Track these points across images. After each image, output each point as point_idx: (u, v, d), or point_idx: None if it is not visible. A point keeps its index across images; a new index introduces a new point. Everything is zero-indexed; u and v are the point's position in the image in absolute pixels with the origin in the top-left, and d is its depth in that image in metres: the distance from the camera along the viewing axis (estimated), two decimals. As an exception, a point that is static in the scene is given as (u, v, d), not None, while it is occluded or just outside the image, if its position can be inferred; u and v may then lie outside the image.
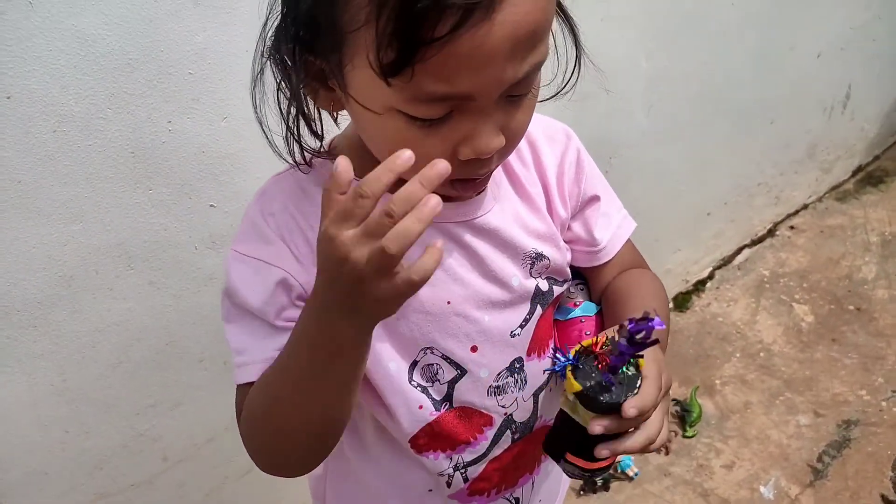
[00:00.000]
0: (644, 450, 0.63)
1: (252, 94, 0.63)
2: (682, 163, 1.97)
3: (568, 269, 0.79)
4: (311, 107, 0.65)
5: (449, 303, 0.70)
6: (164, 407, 1.21)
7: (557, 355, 0.78)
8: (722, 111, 1.99)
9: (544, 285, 0.76)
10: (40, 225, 0.97)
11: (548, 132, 0.78)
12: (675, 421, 1.87)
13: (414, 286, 0.51)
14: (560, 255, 0.77)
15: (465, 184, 0.63)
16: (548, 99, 0.67)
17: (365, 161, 0.68)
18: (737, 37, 1.89)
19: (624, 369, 0.62)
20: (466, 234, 0.70)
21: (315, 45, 0.57)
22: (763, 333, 2.12)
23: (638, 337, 0.58)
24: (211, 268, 1.15)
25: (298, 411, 0.61)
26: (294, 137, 0.65)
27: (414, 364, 0.72)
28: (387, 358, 0.70)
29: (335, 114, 0.65)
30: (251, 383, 0.66)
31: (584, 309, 0.81)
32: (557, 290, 0.78)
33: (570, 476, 0.69)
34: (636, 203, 1.94)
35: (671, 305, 2.22)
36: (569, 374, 0.63)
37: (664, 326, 0.57)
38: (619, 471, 1.74)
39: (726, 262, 2.36)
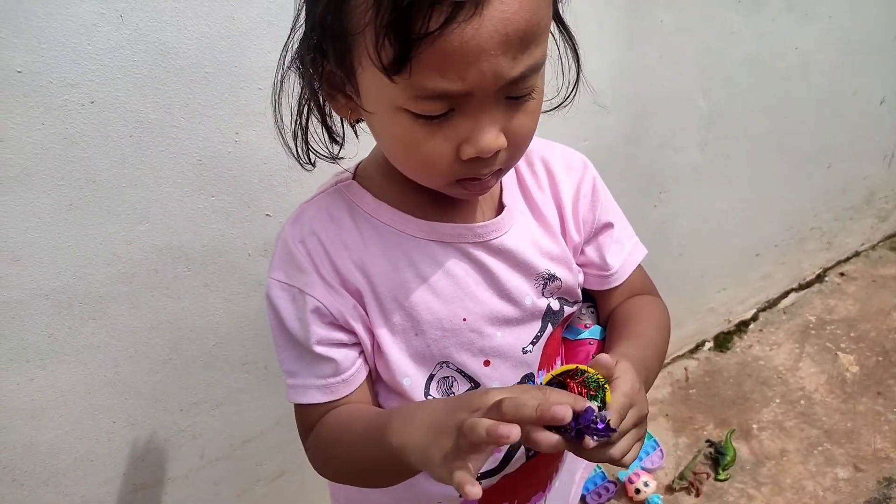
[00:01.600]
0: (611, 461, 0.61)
1: (273, 101, 0.67)
2: (734, 202, 1.95)
3: (579, 291, 0.83)
4: (331, 115, 0.70)
5: (464, 319, 0.74)
6: (206, 406, 1.24)
7: (528, 382, 0.80)
8: (779, 152, 1.96)
9: (555, 305, 0.79)
10: (109, 223, 1.02)
11: (565, 160, 0.81)
12: (708, 463, 1.84)
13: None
14: (572, 277, 0.80)
15: (471, 183, 0.66)
16: (550, 111, 0.70)
17: (389, 181, 0.73)
18: (799, 79, 1.87)
19: (596, 396, 0.61)
20: (483, 253, 0.74)
21: (330, 52, 0.61)
22: (805, 381, 2.07)
23: (583, 426, 0.57)
24: (261, 274, 1.19)
25: (370, 474, 0.71)
26: (303, 138, 0.70)
27: (430, 378, 0.76)
28: (403, 373, 0.74)
29: (353, 122, 0.69)
30: (310, 405, 0.74)
31: (592, 332, 0.85)
32: (568, 309, 0.81)
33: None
34: (683, 239, 1.97)
35: (711, 345, 2.19)
36: None
37: (608, 435, 0.57)
38: (647, 508, 1.72)
39: (772, 304, 2.31)
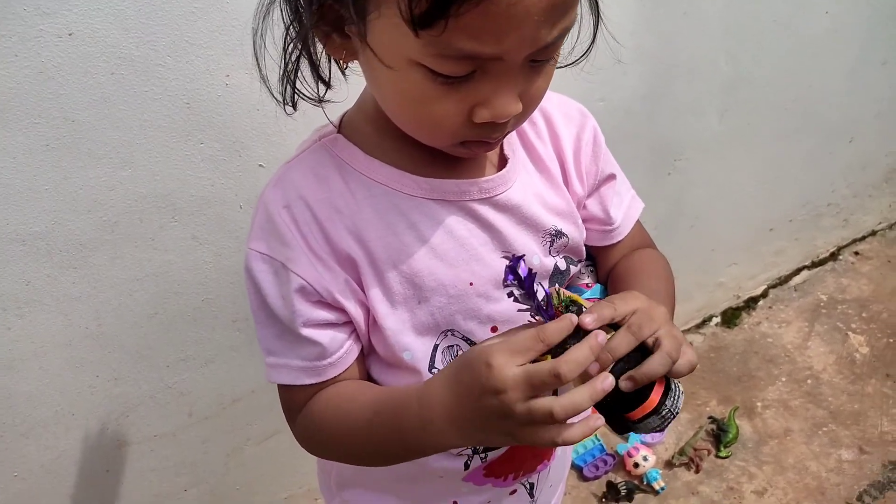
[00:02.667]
0: (672, 374, 0.59)
1: (254, 35, 0.60)
2: (751, 173, 1.88)
3: (584, 249, 0.78)
4: (319, 53, 0.62)
5: (471, 284, 0.69)
6: (194, 363, 1.20)
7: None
8: (801, 124, 1.88)
9: (562, 264, 0.75)
10: (89, 167, 0.96)
11: (563, 109, 0.76)
12: (710, 440, 1.80)
13: (551, 446, 0.55)
14: (578, 233, 0.76)
15: (477, 145, 0.62)
16: (565, 66, 0.66)
17: (381, 135, 0.66)
18: (828, 46, 1.78)
19: (569, 312, 0.59)
20: (489, 210, 0.69)
21: None
22: (813, 360, 2.03)
23: (518, 275, 0.56)
24: (255, 229, 1.13)
25: (376, 458, 0.69)
26: (290, 81, 0.63)
27: (435, 349, 0.70)
28: (404, 346, 0.68)
29: (344, 63, 0.63)
30: (295, 386, 0.69)
31: (594, 292, 0.81)
32: (573, 269, 0.76)
33: (657, 430, 0.63)
34: (697, 209, 1.90)
35: (719, 320, 2.14)
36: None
37: (525, 268, 0.57)
38: (645, 483, 1.69)
39: (783, 281, 2.25)
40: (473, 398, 0.55)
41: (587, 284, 0.81)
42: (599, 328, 0.56)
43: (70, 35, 0.86)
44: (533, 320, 0.60)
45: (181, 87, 0.96)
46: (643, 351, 0.58)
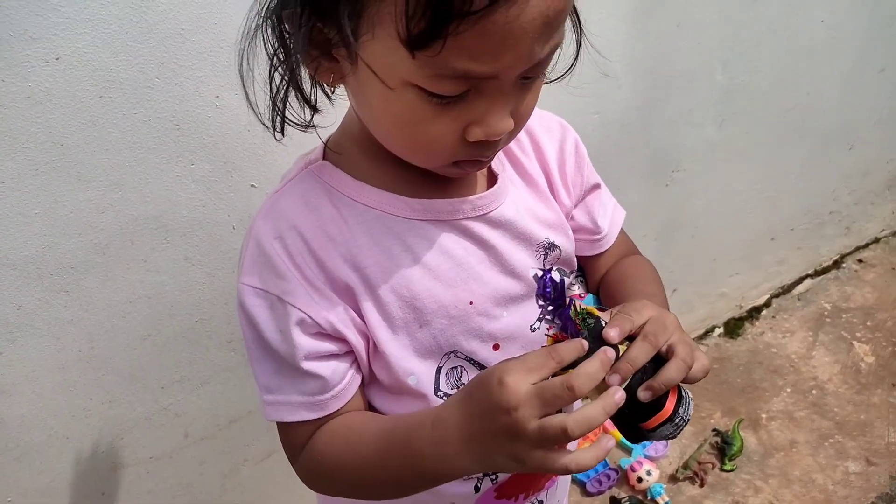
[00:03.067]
0: (688, 380, 0.59)
1: (240, 60, 0.59)
2: (751, 183, 1.87)
3: (575, 259, 0.78)
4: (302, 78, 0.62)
5: (472, 303, 0.68)
6: (189, 384, 1.19)
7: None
8: (800, 132, 1.87)
9: (556, 276, 0.74)
10: (80, 190, 0.95)
11: (543, 122, 0.77)
12: (714, 453, 1.78)
13: (564, 472, 0.53)
14: (569, 245, 0.76)
15: (470, 164, 0.61)
16: (551, 82, 0.66)
17: (369, 158, 0.66)
18: (824, 54, 1.77)
19: (586, 325, 0.60)
20: (483, 227, 0.68)
21: (328, 10, 0.53)
22: (818, 370, 2.00)
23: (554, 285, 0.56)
24: (248, 248, 1.13)
25: (387, 489, 0.65)
26: (279, 111, 0.62)
27: (438, 371, 0.69)
28: (408, 371, 0.67)
29: (332, 88, 0.62)
30: (296, 423, 0.67)
31: (586, 301, 0.80)
32: (567, 281, 0.76)
33: (670, 437, 0.63)
34: (696, 220, 1.89)
35: (722, 331, 2.12)
36: None
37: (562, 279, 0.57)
38: (649, 497, 1.67)
39: (786, 290, 2.24)
40: (486, 417, 0.54)
41: (579, 295, 0.80)
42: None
43: (57, 59, 0.86)
44: (548, 334, 0.60)
45: (170, 109, 0.96)
46: (656, 359, 0.58)
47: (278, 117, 0.63)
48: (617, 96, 1.45)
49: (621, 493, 1.68)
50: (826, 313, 2.18)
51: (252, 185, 1.08)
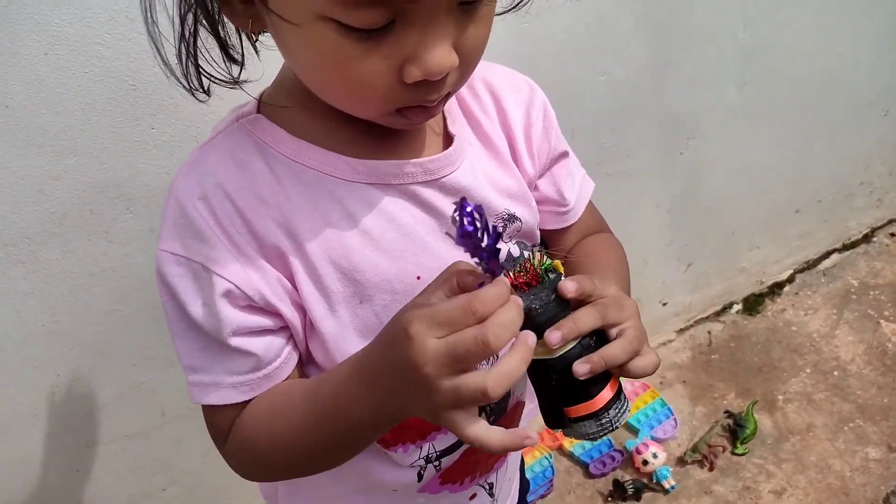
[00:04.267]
0: (631, 371, 0.54)
1: (143, 6, 0.52)
2: (775, 150, 1.75)
3: (538, 233, 0.73)
4: (223, 25, 0.55)
5: (419, 278, 0.61)
6: (162, 361, 1.14)
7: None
8: (829, 96, 1.75)
9: (515, 251, 0.68)
10: (30, 155, 0.89)
11: (509, 82, 0.70)
12: (726, 435, 1.71)
13: (471, 444, 0.49)
14: (531, 216, 0.70)
15: (415, 111, 0.54)
16: (504, 13, 0.58)
17: (307, 113, 0.58)
18: (858, 11, 1.64)
19: (545, 276, 0.54)
20: (435, 194, 0.62)
21: None
22: (841, 350, 1.90)
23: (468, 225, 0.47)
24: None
25: (323, 455, 0.59)
26: (192, 60, 0.55)
27: None
28: (345, 352, 0.59)
29: (254, 35, 0.55)
30: (221, 406, 0.61)
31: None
32: (527, 255, 0.67)
33: (590, 438, 0.56)
34: (714, 191, 1.78)
35: (740, 307, 2.03)
36: None
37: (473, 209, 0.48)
38: (654, 481, 1.60)
39: (810, 265, 2.13)
40: (397, 372, 0.49)
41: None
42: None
43: (-7, 12, 0.79)
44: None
45: (124, 67, 0.88)
46: (603, 340, 0.54)
47: (193, 71, 0.55)
48: (626, 55, 1.34)
49: (626, 476, 1.62)
50: (853, 290, 2.07)
51: (221, 151, 1.00)
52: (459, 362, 0.46)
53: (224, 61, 0.56)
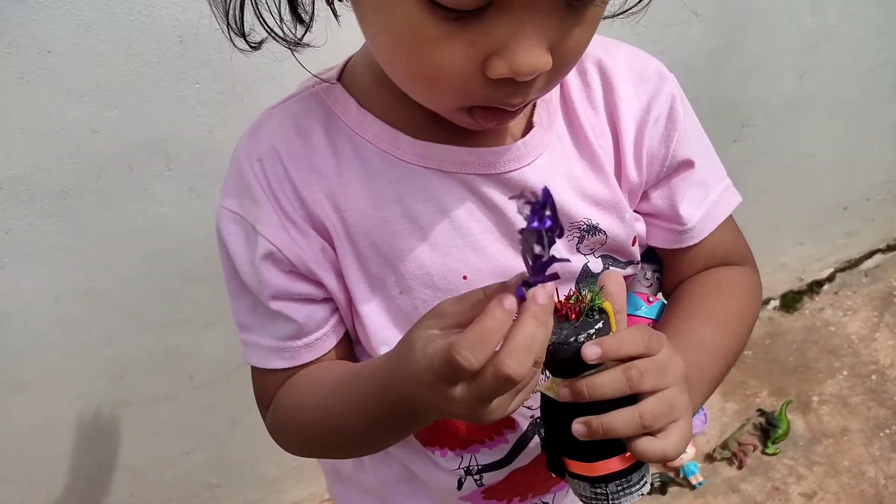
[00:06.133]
0: (633, 449, 0.46)
1: None
2: (830, 145, 1.69)
3: (633, 250, 0.63)
4: None
5: (465, 278, 0.56)
6: (195, 325, 1.12)
7: None
8: (891, 90, 1.67)
9: (596, 265, 0.60)
10: (71, 105, 0.86)
11: (635, 67, 0.60)
12: (757, 434, 1.67)
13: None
14: (623, 230, 0.60)
15: (489, 113, 0.48)
16: (613, 16, 0.51)
17: (380, 87, 0.53)
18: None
19: (588, 314, 0.47)
20: (495, 190, 0.56)
21: None
22: (880, 353, 1.85)
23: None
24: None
25: (353, 439, 0.57)
26: (237, 15, 0.53)
27: None
28: (381, 339, 0.58)
29: (333, 3, 0.51)
30: (266, 370, 0.60)
31: (651, 310, 0.65)
32: (618, 271, 0.61)
33: (582, 500, 0.51)
34: (763, 182, 1.72)
35: (777, 304, 1.97)
36: None
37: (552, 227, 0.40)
38: (681, 475, 1.57)
39: (853, 265, 2.06)
40: (417, 391, 0.45)
41: (649, 299, 0.65)
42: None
43: (40, -50, 0.75)
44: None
45: (172, 18, 0.85)
46: (630, 402, 0.46)
47: (238, 16, 0.53)
48: (686, 37, 1.28)
49: (652, 469, 1.58)
50: (895, 292, 2.00)
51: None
52: (482, 399, 0.42)
53: (287, 20, 0.52)
